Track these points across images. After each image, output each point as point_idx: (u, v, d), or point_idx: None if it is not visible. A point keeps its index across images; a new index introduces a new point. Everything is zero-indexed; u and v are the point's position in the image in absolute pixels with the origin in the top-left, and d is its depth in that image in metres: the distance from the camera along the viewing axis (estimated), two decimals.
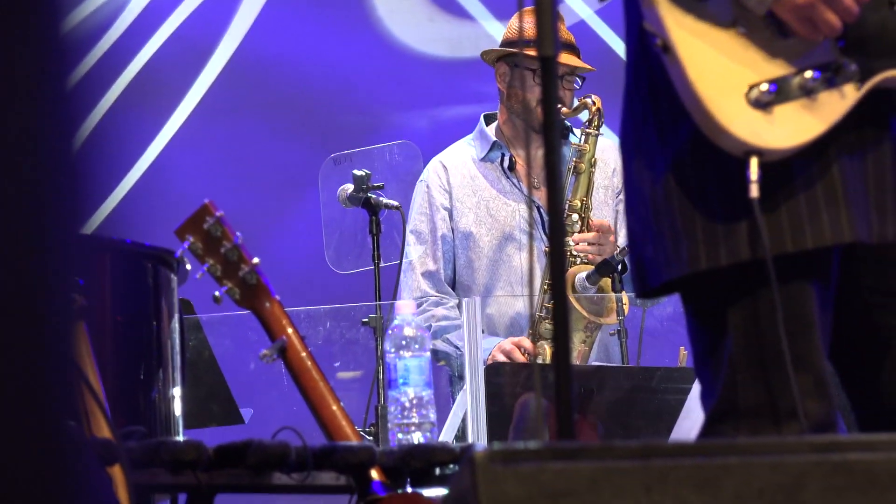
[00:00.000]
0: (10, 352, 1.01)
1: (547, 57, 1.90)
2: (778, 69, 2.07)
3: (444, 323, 4.39)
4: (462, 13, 6.49)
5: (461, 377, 4.33)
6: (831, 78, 2.07)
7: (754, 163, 2.04)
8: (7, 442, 1.01)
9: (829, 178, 2.10)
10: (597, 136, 4.37)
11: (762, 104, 2.05)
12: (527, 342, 4.23)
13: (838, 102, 2.07)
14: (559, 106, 4.18)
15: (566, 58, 4.34)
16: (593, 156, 4.37)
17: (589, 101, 4.34)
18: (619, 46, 6.33)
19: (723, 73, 2.05)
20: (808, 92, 2.06)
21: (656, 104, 2.14)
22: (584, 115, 4.41)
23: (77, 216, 1.04)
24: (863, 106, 2.10)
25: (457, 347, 4.32)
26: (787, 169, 2.08)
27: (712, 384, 2.14)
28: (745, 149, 2.04)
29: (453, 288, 4.47)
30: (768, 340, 2.09)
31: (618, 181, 4.51)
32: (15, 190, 1.01)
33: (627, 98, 2.21)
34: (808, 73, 2.06)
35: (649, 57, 2.15)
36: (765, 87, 2.05)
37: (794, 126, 2.06)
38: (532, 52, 1.97)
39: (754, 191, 2.04)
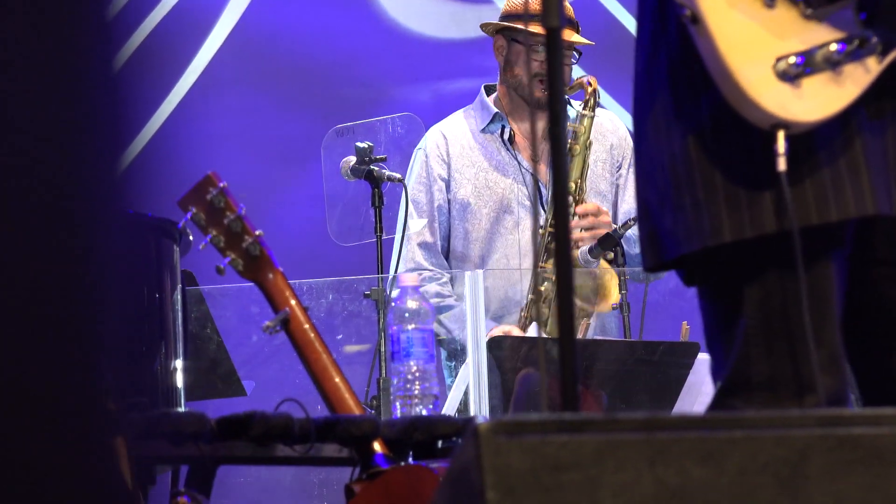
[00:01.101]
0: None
1: (552, 28, 1.89)
2: (803, 41, 2.06)
3: (436, 300, 4.38)
4: None
5: (451, 359, 4.32)
6: (855, 51, 2.06)
7: (781, 136, 2.03)
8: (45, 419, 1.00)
9: (851, 150, 2.09)
10: (592, 117, 4.35)
11: (790, 77, 2.04)
12: (517, 332, 4.20)
13: (862, 75, 2.07)
14: None
15: (563, 32, 4.30)
16: (588, 138, 4.34)
17: (585, 80, 4.31)
18: (626, 19, 6.31)
19: (751, 45, 2.04)
20: (833, 65, 2.05)
21: (675, 76, 2.13)
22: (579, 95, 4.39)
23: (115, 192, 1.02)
24: (881, 78, 2.09)
25: (449, 331, 4.31)
26: (810, 141, 2.08)
27: (724, 357, 2.13)
28: (773, 121, 2.03)
29: (447, 258, 4.46)
30: (785, 314, 2.08)
31: (617, 155, 4.49)
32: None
33: (643, 70, 2.19)
34: (833, 46, 2.06)
35: (668, 29, 2.13)
36: (792, 59, 2.04)
37: (820, 99, 2.05)
38: (531, 28, 1.95)
39: (782, 164, 2.03)
